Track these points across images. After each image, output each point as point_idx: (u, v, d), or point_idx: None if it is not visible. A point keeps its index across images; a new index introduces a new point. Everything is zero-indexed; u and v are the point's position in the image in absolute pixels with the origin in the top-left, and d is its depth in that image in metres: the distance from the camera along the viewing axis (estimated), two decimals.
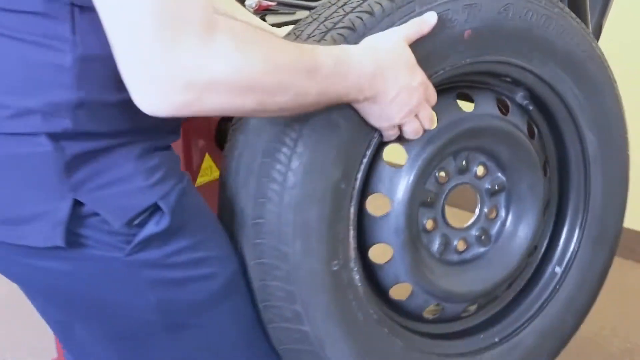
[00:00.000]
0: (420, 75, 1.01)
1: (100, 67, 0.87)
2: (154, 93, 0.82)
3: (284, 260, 1.01)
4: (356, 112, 1.01)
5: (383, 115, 1.01)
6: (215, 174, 1.31)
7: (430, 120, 1.05)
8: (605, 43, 1.86)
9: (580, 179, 1.29)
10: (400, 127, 1.04)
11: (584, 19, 1.42)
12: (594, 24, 1.50)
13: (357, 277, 1.08)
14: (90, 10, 0.83)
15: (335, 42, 1.01)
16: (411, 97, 1.00)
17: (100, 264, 0.93)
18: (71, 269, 0.94)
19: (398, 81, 0.99)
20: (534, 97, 1.22)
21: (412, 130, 1.03)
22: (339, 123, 1.00)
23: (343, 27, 1.02)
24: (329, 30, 1.03)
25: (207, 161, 1.31)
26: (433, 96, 1.05)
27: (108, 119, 0.91)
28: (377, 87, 0.98)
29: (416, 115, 1.03)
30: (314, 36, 1.04)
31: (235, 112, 0.93)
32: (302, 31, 1.06)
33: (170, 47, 0.80)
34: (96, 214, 0.91)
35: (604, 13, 1.53)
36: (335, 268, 1.04)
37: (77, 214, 0.90)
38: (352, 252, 1.07)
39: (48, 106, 0.87)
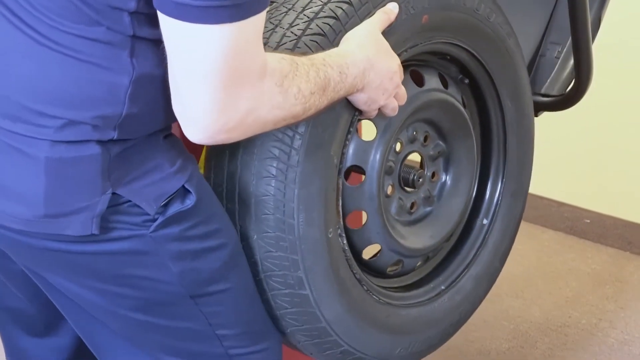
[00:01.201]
0: (396, 59, 1.14)
1: (149, 85, 0.95)
2: (206, 132, 0.92)
3: (289, 231, 1.11)
4: None
5: (369, 100, 1.12)
6: None
7: (404, 98, 1.18)
8: (606, 41, 1.93)
9: (500, 142, 1.47)
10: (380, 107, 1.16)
11: (582, 11, 1.50)
12: (592, 16, 1.59)
13: (344, 242, 1.20)
14: (148, 39, 0.92)
15: (320, 29, 1.11)
16: (392, 81, 1.13)
17: (128, 243, 1.00)
18: (100, 249, 0.99)
19: (382, 69, 1.10)
20: (464, 71, 1.39)
21: (391, 109, 1.16)
22: (334, 104, 1.11)
23: (326, 17, 1.12)
24: (311, 19, 1.12)
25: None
26: (402, 76, 1.18)
27: (147, 125, 0.99)
28: (367, 80, 1.09)
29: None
30: (296, 25, 1.13)
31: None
32: (280, 20, 1.14)
33: (230, 100, 0.90)
34: (127, 201, 0.97)
35: (602, 5, 1.64)
36: (330, 235, 1.16)
37: (112, 204, 0.96)
38: (340, 220, 1.19)
39: (98, 119, 0.94)
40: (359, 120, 1.19)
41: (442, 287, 1.42)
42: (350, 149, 1.20)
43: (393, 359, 1.33)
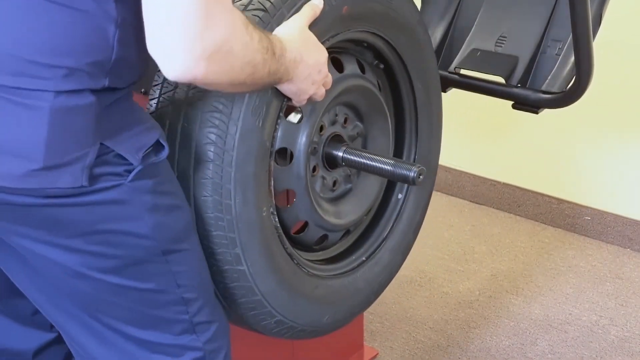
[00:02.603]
0: (324, 52, 1.22)
1: (131, 29, 1.01)
2: (185, 62, 0.96)
3: (227, 212, 1.18)
4: None
5: (299, 91, 1.20)
6: None
7: (330, 85, 1.26)
8: (607, 39, 1.91)
9: (412, 122, 1.58)
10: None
11: (583, 8, 1.49)
12: (593, 13, 1.56)
13: (276, 219, 1.28)
14: None
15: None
16: (320, 72, 1.21)
17: (109, 193, 1.04)
18: (82, 201, 1.03)
19: (310, 61, 1.19)
20: (379, 57, 1.49)
21: (319, 96, 1.25)
22: (267, 89, 1.18)
23: (256, 9, 1.19)
24: (241, 11, 1.19)
25: None
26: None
27: (130, 72, 1.05)
28: (297, 71, 1.17)
29: None
30: None
31: (225, 85, 1.06)
32: None
33: (208, 22, 0.95)
34: (110, 151, 1.03)
35: (603, 2, 1.64)
36: (264, 214, 1.24)
37: (98, 154, 1.02)
38: (273, 199, 1.27)
39: (92, 66, 0.99)
40: (289, 105, 1.27)
41: (363, 259, 1.52)
42: (280, 133, 1.28)
43: (320, 327, 1.43)
